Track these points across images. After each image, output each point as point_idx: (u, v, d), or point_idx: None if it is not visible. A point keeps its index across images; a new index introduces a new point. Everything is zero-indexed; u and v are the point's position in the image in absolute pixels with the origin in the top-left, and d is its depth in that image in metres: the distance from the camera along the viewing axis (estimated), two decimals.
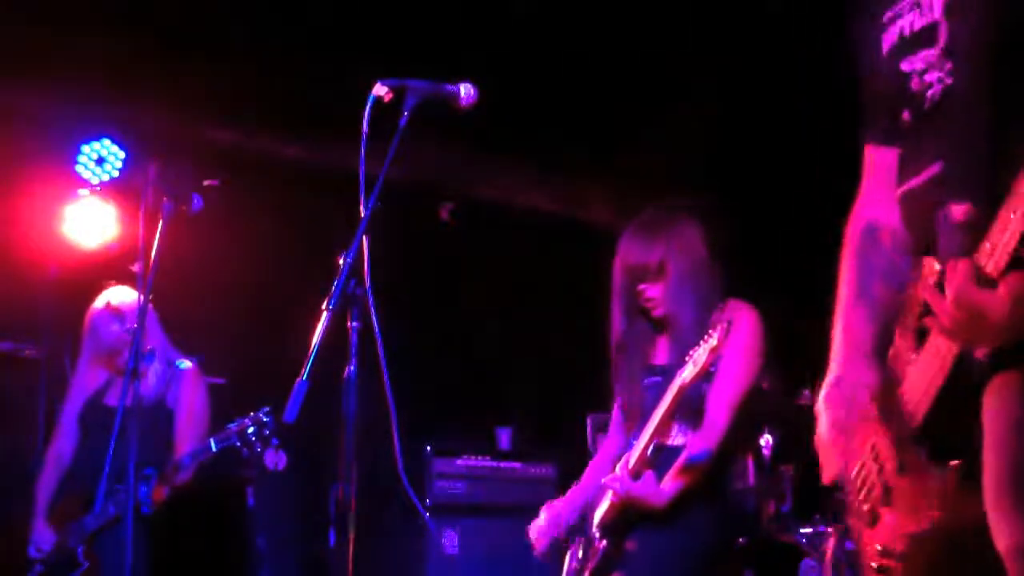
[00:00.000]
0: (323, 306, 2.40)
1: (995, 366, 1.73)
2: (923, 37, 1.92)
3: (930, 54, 1.89)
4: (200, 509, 4.36)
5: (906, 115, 1.95)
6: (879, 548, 1.95)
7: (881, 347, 2.01)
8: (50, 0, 4.61)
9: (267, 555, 5.37)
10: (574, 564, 3.36)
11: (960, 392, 1.75)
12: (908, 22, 1.97)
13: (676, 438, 3.19)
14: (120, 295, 4.38)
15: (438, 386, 5.64)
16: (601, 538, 3.23)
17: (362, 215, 2.51)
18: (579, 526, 3.40)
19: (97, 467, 3.96)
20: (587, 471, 3.54)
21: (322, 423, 2.65)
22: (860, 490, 2.03)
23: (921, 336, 1.82)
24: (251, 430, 4.04)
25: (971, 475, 1.74)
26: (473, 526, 5.25)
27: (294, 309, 3.08)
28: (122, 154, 5.13)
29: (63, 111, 5.16)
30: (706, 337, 2.93)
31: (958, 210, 1.62)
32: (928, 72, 1.89)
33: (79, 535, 4.12)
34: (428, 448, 5.31)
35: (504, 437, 5.80)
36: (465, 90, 2.72)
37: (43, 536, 4.21)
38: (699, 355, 2.95)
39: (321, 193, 5.38)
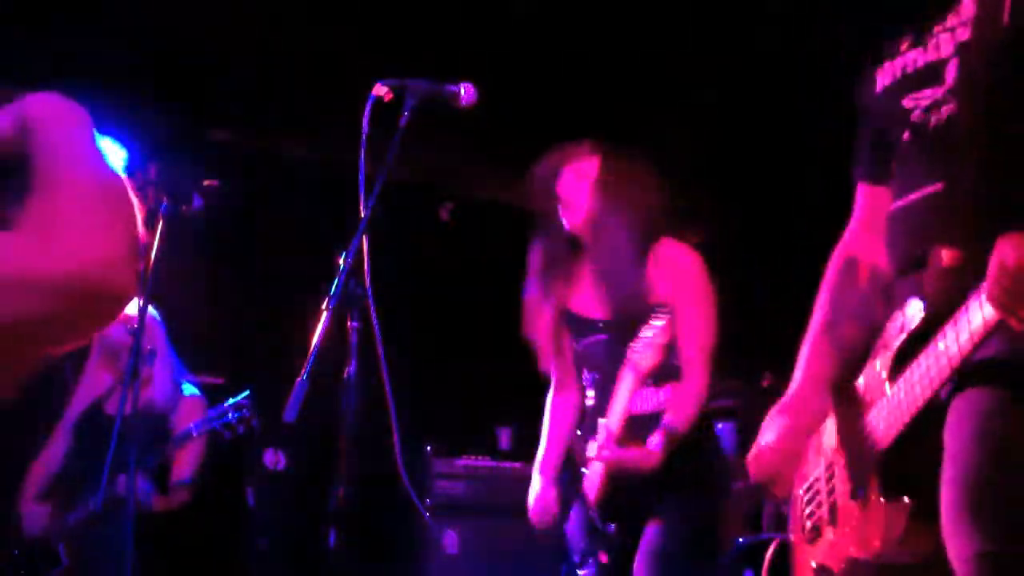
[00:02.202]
0: (323, 306, 2.40)
1: (954, 390, 1.70)
2: (928, 74, 1.89)
3: (936, 92, 1.86)
4: (200, 509, 4.36)
5: (906, 135, 1.92)
6: (814, 565, 1.94)
7: (839, 381, 2.01)
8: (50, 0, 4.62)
9: (267, 555, 5.36)
10: (579, 527, 3.31)
11: (926, 430, 1.72)
12: (911, 59, 1.94)
13: (644, 403, 3.15)
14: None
15: (438, 386, 5.63)
16: (605, 524, 3.18)
17: (362, 215, 2.51)
18: (568, 480, 3.39)
19: (87, 470, 3.97)
20: (550, 426, 3.68)
21: (322, 423, 2.65)
22: (808, 504, 2.02)
23: (899, 364, 1.79)
24: (230, 415, 4.05)
25: (922, 514, 1.71)
26: (473, 526, 5.24)
27: (294, 309, 3.08)
28: (123, 154, 5.12)
29: None
30: (653, 318, 2.95)
31: (947, 255, 1.60)
32: (933, 107, 1.87)
33: (60, 531, 4.12)
34: (428, 448, 5.31)
35: (504, 437, 5.79)
36: (465, 90, 2.72)
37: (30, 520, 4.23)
38: (655, 339, 2.96)
39: (321, 193, 5.38)
